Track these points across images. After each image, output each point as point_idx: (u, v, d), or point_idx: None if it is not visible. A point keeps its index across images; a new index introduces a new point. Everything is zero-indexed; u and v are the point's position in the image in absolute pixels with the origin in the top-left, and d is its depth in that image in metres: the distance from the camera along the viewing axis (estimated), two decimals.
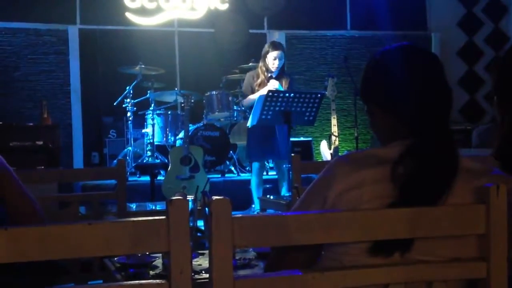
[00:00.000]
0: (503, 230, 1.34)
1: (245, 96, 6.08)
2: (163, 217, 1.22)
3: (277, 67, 5.89)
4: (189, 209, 2.52)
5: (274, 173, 6.63)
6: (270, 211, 4.31)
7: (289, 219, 1.29)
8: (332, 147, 6.57)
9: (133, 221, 1.23)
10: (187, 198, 2.44)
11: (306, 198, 1.48)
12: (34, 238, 1.17)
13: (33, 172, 3.41)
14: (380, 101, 1.52)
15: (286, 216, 1.30)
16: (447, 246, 1.37)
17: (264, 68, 5.93)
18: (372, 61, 1.56)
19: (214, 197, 1.26)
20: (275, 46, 5.96)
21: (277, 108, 5.32)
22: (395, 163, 1.37)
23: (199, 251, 2.41)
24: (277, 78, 5.92)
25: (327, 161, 5.69)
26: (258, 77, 5.96)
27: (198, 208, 2.23)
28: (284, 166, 5.83)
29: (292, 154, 3.18)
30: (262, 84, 5.91)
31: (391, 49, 1.55)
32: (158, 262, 2.24)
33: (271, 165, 6.96)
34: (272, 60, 5.87)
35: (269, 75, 5.93)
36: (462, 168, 1.42)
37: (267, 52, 5.89)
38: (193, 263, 2.19)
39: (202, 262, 2.25)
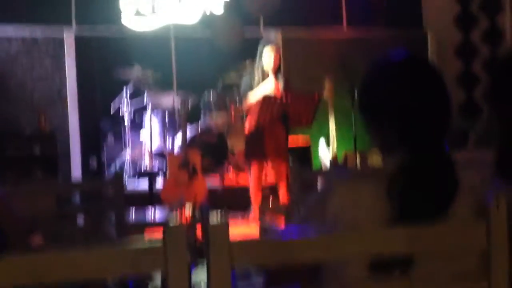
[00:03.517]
0: (504, 246, 1.33)
1: (244, 98, 6.04)
2: (160, 244, 1.21)
3: (274, 64, 5.84)
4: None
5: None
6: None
7: (288, 243, 1.27)
8: (331, 150, 6.56)
9: (130, 249, 1.21)
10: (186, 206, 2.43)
11: (304, 215, 1.47)
12: (30, 266, 1.16)
13: (30, 185, 3.39)
14: (377, 116, 1.51)
15: (285, 240, 1.28)
16: (448, 262, 1.36)
17: (260, 68, 5.90)
18: (369, 74, 1.54)
19: (212, 220, 1.24)
20: (271, 43, 5.94)
21: (274, 111, 5.31)
22: (391, 180, 1.36)
23: (199, 258, 2.40)
24: (275, 77, 5.89)
25: (326, 172, 5.69)
26: (255, 78, 5.93)
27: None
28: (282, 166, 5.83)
29: (290, 165, 3.17)
30: (260, 84, 5.87)
31: (389, 61, 1.52)
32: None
33: None
34: (268, 58, 5.83)
35: (266, 74, 5.88)
36: (461, 182, 1.40)
37: (262, 50, 5.86)
38: (192, 275, 2.18)
39: (202, 272, 2.23)
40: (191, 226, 2.35)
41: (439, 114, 1.46)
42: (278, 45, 6.04)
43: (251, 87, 5.90)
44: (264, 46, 5.88)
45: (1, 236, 1.64)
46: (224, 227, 1.24)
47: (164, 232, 1.21)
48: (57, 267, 1.17)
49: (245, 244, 1.26)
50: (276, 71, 5.93)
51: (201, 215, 2.07)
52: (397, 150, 1.44)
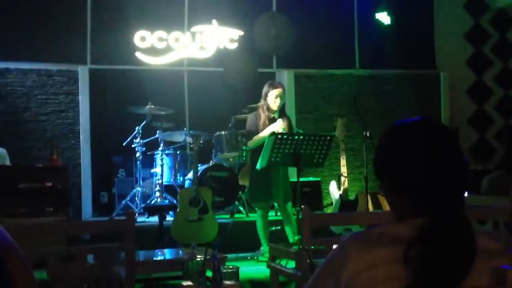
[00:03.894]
0: None
1: (249, 137, 6.05)
2: None
3: (279, 106, 5.89)
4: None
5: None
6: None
7: None
8: (342, 188, 6.54)
9: None
10: (197, 258, 2.42)
11: (318, 278, 1.45)
12: None
13: (41, 225, 3.39)
14: (394, 180, 1.50)
15: None
16: None
17: (265, 108, 5.93)
18: (386, 137, 1.53)
19: (226, 283, 1.23)
20: (275, 85, 5.99)
21: (286, 151, 5.31)
22: (408, 246, 1.34)
23: None
24: (279, 117, 5.92)
25: (339, 213, 5.68)
26: (260, 117, 5.96)
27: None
28: (288, 206, 5.85)
29: (302, 206, 3.15)
30: (265, 124, 5.90)
31: (405, 126, 1.51)
32: None
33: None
34: (274, 98, 5.88)
35: (271, 115, 5.92)
36: (479, 248, 1.38)
37: (268, 91, 5.90)
38: None
39: None
40: (202, 271, 2.33)
41: (456, 179, 1.45)
42: (283, 86, 6.07)
43: (256, 126, 5.92)
44: (269, 86, 5.92)
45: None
46: None
47: None
48: None
49: None
50: (282, 111, 5.96)
51: (212, 263, 2.04)
52: (414, 215, 1.42)
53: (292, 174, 6.22)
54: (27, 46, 7.54)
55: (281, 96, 5.90)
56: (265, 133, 5.77)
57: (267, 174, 5.75)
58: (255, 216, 6.10)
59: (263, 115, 5.94)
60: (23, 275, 1.70)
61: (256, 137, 5.88)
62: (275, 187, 5.87)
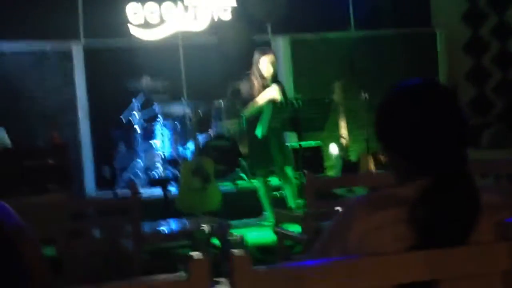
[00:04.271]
0: None
1: (244, 106, 5.98)
2: (184, 275, 1.22)
3: (272, 72, 5.83)
4: None
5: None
6: (286, 226, 4.29)
7: (311, 269, 1.28)
8: (343, 149, 6.56)
9: (154, 281, 1.22)
10: (203, 228, 2.43)
11: (325, 242, 1.46)
12: None
13: (46, 202, 3.42)
14: (395, 143, 1.50)
15: (307, 266, 1.29)
16: (472, 284, 1.36)
17: (258, 75, 5.87)
18: (385, 100, 1.54)
19: (234, 251, 1.25)
20: (266, 51, 5.93)
21: (286, 117, 5.32)
22: (413, 206, 1.36)
23: (215, 279, 2.40)
24: (272, 84, 5.86)
25: (342, 176, 5.70)
26: (253, 85, 5.89)
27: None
28: (288, 170, 5.86)
29: (305, 171, 3.17)
30: (260, 92, 5.83)
31: (405, 88, 1.51)
32: None
33: None
34: (266, 65, 5.81)
35: (265, 82, 5.85)
36: (483, 203, 1.40)
37: (259, 58, 5.84)
38: None
39: None
40: (208, 240, 2.36)
41: (458, 138, 1.45)
42: (274, 52, 6.02)
43: (251, 95, 5.85)
44: (259, 53, 5.85)
45: (25, 278, 1.65)
46: (246, 258, 1.24)
47: (188, 264, 1.22)
48: None
49: (268, 272, 1.27)
50: (274, 78, 5.91)
51: (219, 231, 2.07)
52: (417, 175, 1.43)
53: (293, 139, 6.23)
54: (18, 24, 7.46)
55: (273, 63, 5.84)
56: (261, 100, 5.73)
57: (265, 140, 5.72)
58: (257, 182, 6.13)
59: (256, 83, 5.86)
60: (34, 255, 1.72)
61: (251, 105, 5.82)
62: (274, 152, 5.87)
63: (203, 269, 1.21)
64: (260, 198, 6.00)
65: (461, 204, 1.37)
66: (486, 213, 1.38)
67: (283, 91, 5.93)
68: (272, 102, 5.33)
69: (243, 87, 5.98)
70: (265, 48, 6.14)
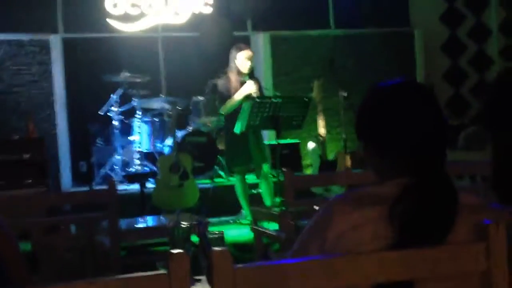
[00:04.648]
0: (504, 267, 1.35)
1: (222, 102, 5.97)
2: (164, 272, 1.22)
3: (249, 68, 5.85)
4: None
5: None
6: (264, 223, 4.30)
7: (290, 267, 1.28)
8: (321, 148, 6.59)
9: (135, 277, 1.22)
10: (182, 225, 2.43)
11: (304, 239, 1.47)
12: None
13: (21, 197, 3.39)
14: (375, 142, 1.52)
15: (287, 264, 1.30)
16: (449, 284, 1.38)
17: (235, 71, 5.88)
18: (366, 100, 1.55)
19: (215, 249, 1.25)
20: (243, 47, 5.96)
21: (265, 114, 5.33)
22: (392, 204, 1.37)
23: (196, 277, 2.39)
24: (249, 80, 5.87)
25: (320, 174, 5.75)
26: (230, 81, 5.90)
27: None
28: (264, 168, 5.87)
29: (284, 169, 3.18)
30: (237, 88, 5.83)
31: (386, 88, 1.53)
32: None
33: None
34: (243, 60, 5.83)
35: (242, 78, 5.85)
36: (461, 204, 1.42)
37: (236, 54, 5.86)
38: None
39: None
40: (187, 237, 2.35)
41: (437, 137, 1.47)
42: (250, 48, 6.04)
43: (228, 91, 5.85)
44: (236, 50, 5.87)
45: (2, 273, 1.63)
46: (226, 254, 1.24)
47: (168, 259, 1.22)
48: None
49: (248, 270, 1.27)
50: (251, 74, 5.92)
51: (198, 229, 2.07)
52: (397, 174, 1.45)
53: (271, 137, 6.24)
54: None
55: (250, 58, 5.86)
56: (238, 97, 5.73)
57: (243, 137, 5.72)
58: (235, 180, 6.12)
59: (233, 79, 5.87)
60: (10, 250, 1.70)
61: (229, 102, 5.82)
62: (252, 149, 5.87)
63: (183, 265, 1.21)
64: (238, 196, 6.00)
65: (439, 204, 1.39)
66: (464, 213, 1.40)
67: (259, 87, 5.93)
68: (252, 99, 5.33)
69: (221, 83, 5.97)
70: (241, 44, 6.13)
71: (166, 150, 6.86)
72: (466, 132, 4.80)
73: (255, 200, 6.07)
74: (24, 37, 7.52)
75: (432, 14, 9.06)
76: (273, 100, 5.33)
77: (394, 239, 1.35)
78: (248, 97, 5.64)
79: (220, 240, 2.01)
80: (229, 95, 5.82)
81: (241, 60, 5.82)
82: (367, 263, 1.30)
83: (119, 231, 3.30)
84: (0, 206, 1.80)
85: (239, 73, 5.85)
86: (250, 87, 5.73)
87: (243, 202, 5.97)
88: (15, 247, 1.74)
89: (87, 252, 3.13)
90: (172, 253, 1.23)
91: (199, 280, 2.36)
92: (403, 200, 1.37)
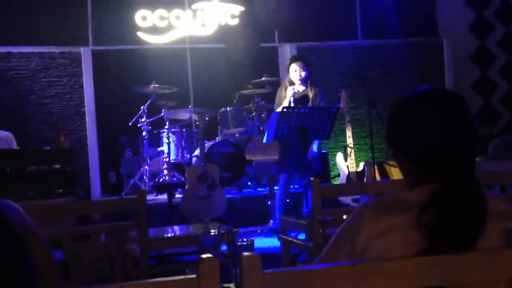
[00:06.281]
0: None
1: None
2: (194, 276, 1.23)
3: (300, 78, 5.97)
4: (213, 242, 2.53)
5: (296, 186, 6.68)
6: (291, 233, 4.30)
7: (319, 272, 1.29)
8: (349, 159, 6.57)
9: (165, 281, 1.24)
10: (211, 233, 2.45)
11: (334, 245, 1.48)
12: None
13: (52, 207, 3.43)
14: (404, 149, 1.52)
15: (315, 269, 1.30)
16: None
17: (287, 82, 6.10)
18: (394, 107, 1.55)
19: (244, 254, 1.26)
20: (294, 58, 6.23)
21: (292, 124, 5.34)
22: (420, 211, 1.37)
23: (224, 285, 2.40)
24: (304, 89, 6.01)
25: (348, 184, 5.72)
26: (284, 90, 6.14)
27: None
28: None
29: (312, 178, 3.17)
30: (285, 97, 6.04)
31: (413, 95, 1.53)
32: None
33: None
34: (293, 72, 6.06)
35: (294, 87, 6.02)
36: (491, 210, 1.41)
37: (289, 65, 6.08)
38: None
39: None
40: (216, 245, 2.37)
41: (467, 144, 1.47)
42: (303, 57, 6.23)
43: (281, 99, 6.04)
44: (290, 60, 6.20)
45: (34, 278, 1.65)
46: (256, 258, 1.25)
47: (198, 263, 1.24)
48: None
49: (277, 275, 1.28)
50: (306, 82, 6.06)
51: (227, 236, 2.08)
52: (426, 181, 1.45)
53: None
54: (28, 29, 7.53)
55: (301, 69, 6.00)
56: (284, 104, 5.88)
57: (297, 144, 5.74)
58: (263, 190, 6.12)
59: (284, 88, 6.10)
60: (45, 256, 1.73)
61: (278, 109, 5.94)
62: (296, 158, 5.86)
63: (213, 269, 1.22)
64: (275, 203, 5.96)
65: (468, 210, 1.38)
66: (494, 219, 1.39)
67: (315, 94, 6.04)
68: (282, 109, 5.37)
69: (278, 93, 6.27)
70: (295, 55, 6.54)
71: (194, 161, 6.90)
72: (495, 142, 4.75)
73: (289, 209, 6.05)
74: (55, 49, 7.66)
75: (460, 24, 9.00)
76: (301, 110, 5.33)
77: (422, 246, 1.35)
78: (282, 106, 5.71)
79: (250, 247, 2.02)
80: (281, 104, 5.97)
81: (292, 71, 6.11)
82: (397, 269, 1.30)
83: (148, 240, 3.32)
84: (31, 215, 1.83)
85: (290, 82, 6.11)
86: (289, 92, 5.89)
87: (278, 207, 5.91)
88: (49, 252, 1.77)
89: (117, 260, 3.15)
90: (202, 257, 1.24)
91: None
92: (432, 206, 1.37)
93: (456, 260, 1.32)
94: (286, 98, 5.95)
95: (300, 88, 6.05)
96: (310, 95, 6.04)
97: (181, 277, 1.25)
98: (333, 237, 1.49)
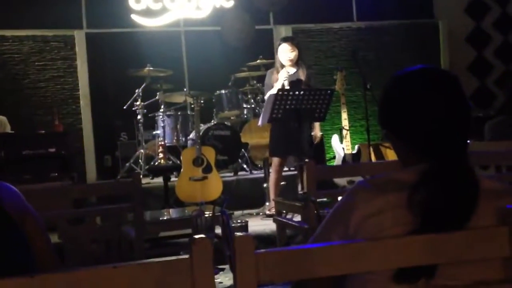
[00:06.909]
0: None
1: (265, 93, 6.06)
2: (187, 256, 1.23)
3: (289, 60, 5.87)
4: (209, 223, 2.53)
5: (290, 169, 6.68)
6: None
7: (312, 252, 1.28)
8: (344, 141, 6.57)
9: (158, 262, 1.23)
10: (205, 215, 2.45)
11: (327, 225, 1.48)
12: (61, 284, 1.19)
13: (47, 190, 3.43)
14: (394, 128, 1.52)
15: (309, 249, 1.30)
16: (471, 269, 1.37)
17: (279, 63, 5.95)
18: (387, 87, 1.55)
19: (237, 234, 1.26)
20: (284, 39, 6.03)
21: (287, 106, 5.31)
22: (412, 190, 1.37)
23: (219, 266, 2.41)
24: (296, 71, 5.90)
25: (342, 165, 5.72)
26: (275, 72, 5.98)
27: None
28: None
29: (306, 160, 3.17)
30: (277, 79, 5.92)
31: (406, 74, 1.52)
32: None
33: None
34: (282, 53, 5.88)
35: (283, 69, 5.91)
36: (483, 189, 1.41)
37: (279, 46, 5.93)
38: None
39: (223, 279, 2.25)
40: (210, 227, 2.37)
41: (460, 123, 1.46)
42: (292, 38, 6.11)
43: (272, 81, 5.93)
44: (279, 42, 5.95)
45: (30, 256, 1.65)
46: (249, 239, 1.25)
47: (190, 244, 1.23)
48: (87, 284, 1.20)
49: (270, 255, 1.28)
50: (296, 63, 5.93)
51: (221, 218, 2.08)
52: (419, 161, 1.44)
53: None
54: (21, 12, 7.47)
55: (290, 50, 5.88)
56: (275, 87, 5.78)
57: (289, 126, 5.70)
58: (259, 173, 6.11)
59: (275, 71, 5.96)
60: (40, 238, 1.73)
61: (269, 92, 5.87)
62: (300, 139, 5.83)
63: (205, 249, 1.21)
64: (268, 186, 5.96)
65: (460, 188, 1.38)
66: (486, 198, 1.39)
67: (307, 76, 5.93)
68: (277, 91, 5.33)
69: (267, 75, 6.11)
70: (285, 36, 6.36)
71: (189, 144, 6.89)
72: (491, 122, 4.75)
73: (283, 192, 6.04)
74: (48, 32, 7.61)
75: (456, 5, 8.97)
76: (296, 92, 5.31)
77: (414, 225, 1.35)
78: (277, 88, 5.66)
79: (244, 228, 2.02)
80: (271, 86, 5.88)
81: (280, 52, 5.92)
82: (390, 248, 1.30)
83: (144, 222, 3.32)
84: (27, 199, 1.82)
85: (281, 64, 5.92)
86: (280, 78, 5.78)
87: (272, 191, 5.90)
88: (45, 234, 1.77)
89: (112, 244, 3.16)
90: (195, 238, 1.23)
91: (222, 269, 2.39)
92: (423, 185, 1.37)
93: (449, 239, 1.32)
94: (279, 80, 5.82)
95: (291, 70, 5.91)
96: (302, 77, 5.94)
97: (173, 257, 1.25)
98: (326, 218, 1.49)
